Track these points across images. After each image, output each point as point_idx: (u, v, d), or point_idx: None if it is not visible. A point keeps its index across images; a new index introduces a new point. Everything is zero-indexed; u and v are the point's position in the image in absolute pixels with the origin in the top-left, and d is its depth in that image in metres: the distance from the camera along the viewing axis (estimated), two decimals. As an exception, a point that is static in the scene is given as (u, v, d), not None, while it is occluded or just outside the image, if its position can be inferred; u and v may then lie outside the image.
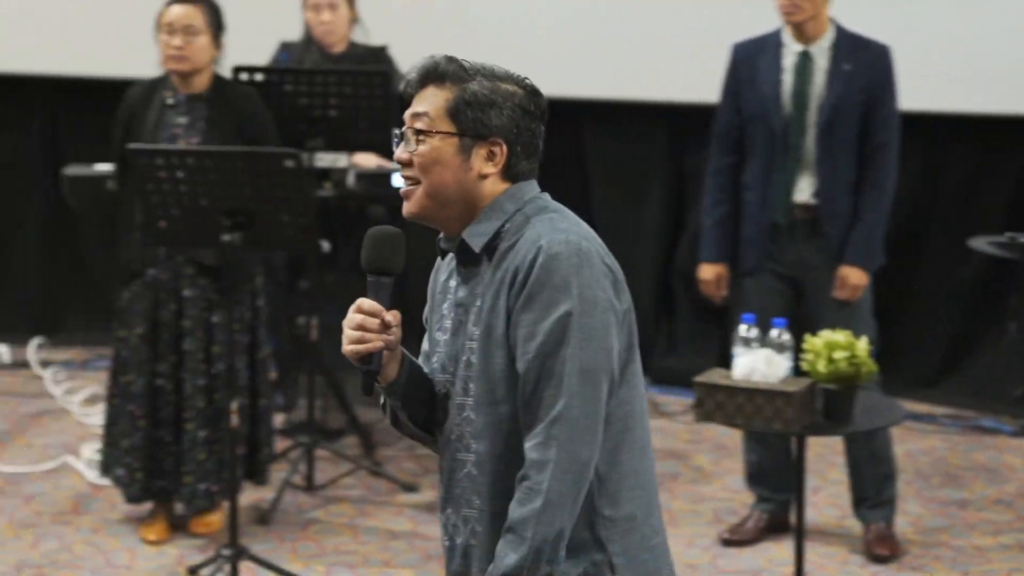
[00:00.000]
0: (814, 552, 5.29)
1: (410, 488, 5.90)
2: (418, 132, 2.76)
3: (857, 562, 5.36)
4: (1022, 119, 6.95)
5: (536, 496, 2.60)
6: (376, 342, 2.71)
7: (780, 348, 4.51)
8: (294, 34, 6.39)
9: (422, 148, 2.75)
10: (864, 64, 5.30)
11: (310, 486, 5.91)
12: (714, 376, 4.48)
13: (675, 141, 7.38)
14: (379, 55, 6.26)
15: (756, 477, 5.55)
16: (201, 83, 5.37)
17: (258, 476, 5.56)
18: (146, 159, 5.02)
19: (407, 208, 2.79)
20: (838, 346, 4.41)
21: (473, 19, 7.28)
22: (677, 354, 7.37)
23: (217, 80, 5.41)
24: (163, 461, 5.41)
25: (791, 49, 5.34)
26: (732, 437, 6.41)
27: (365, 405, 6.56)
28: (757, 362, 4.44)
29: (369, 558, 5.33)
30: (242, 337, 5.39)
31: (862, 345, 4.44)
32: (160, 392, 5.38)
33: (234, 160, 4.96)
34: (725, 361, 4.58)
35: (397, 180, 5.84)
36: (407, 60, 6.32)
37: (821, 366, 4.40)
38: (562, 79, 7.21)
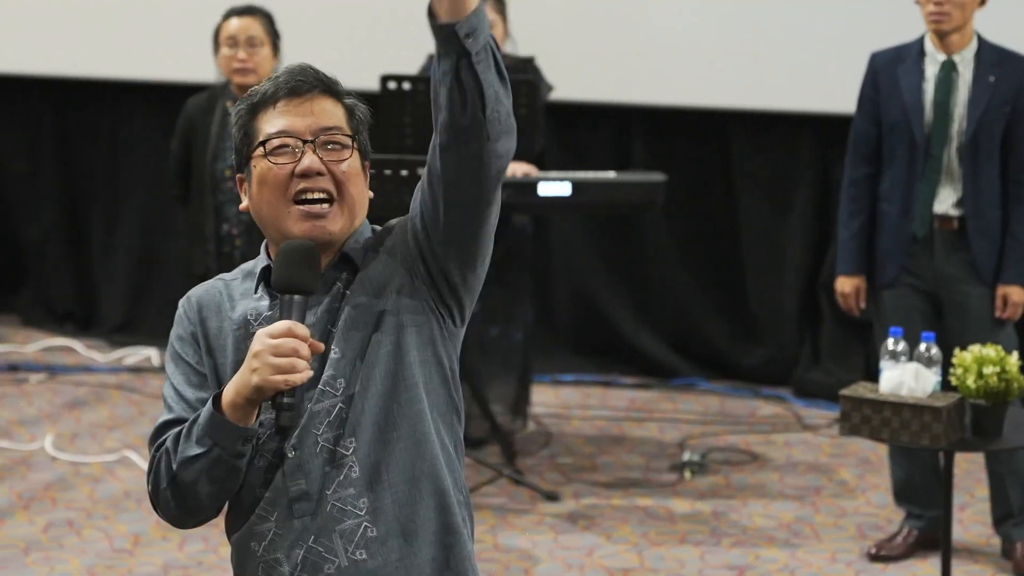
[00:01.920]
0: (960, 570, 5.21)
1: (552, 497, 5.91)
2: (335, 144, 2.65)
3: (1005, 581, 5.28)
4: None
5: None
6: (306, 371, 2.53)
7: (928, 362, 4.46)
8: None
9: (345, 161, 2.64)
10: (1009, 75, 5.23)
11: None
12: (860, 389, 4.43)
13: (822, 152, 7.31)
14: (526, 66, 6.28)
15: (903, 493, 5.48)
16: None
17: None
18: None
19: (328, 227, 2.63)
20: (988, 361, 4.35)
21: (620, 30, 7.27)
22: (821, 367, 7.30)
23: None
24: None
25: (934, 59, 5.28)
26: (877, 451, 6.34)
27: (507, 413, 6.58)
28: (905, 376, 4.39)
29: (509, 567, 5.34)
30: None
31: (1013, 360, 4.37)
32: None
33: (378, 167, 5.01)
34: (870, 374, 4.53)
35: (544, 188, 5.86)
36: (554, 72, 6.37)
37: (970, 381, 4.34)
38: (709, 89, 7.20)
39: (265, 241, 2.73)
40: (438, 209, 2.60)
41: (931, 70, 5.28)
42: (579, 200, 5.99)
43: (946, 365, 4.54)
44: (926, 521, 5.43)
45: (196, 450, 2.55)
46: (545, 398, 7.09)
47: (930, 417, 4.28)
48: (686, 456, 6.25)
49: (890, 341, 4.48)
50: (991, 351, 4.39)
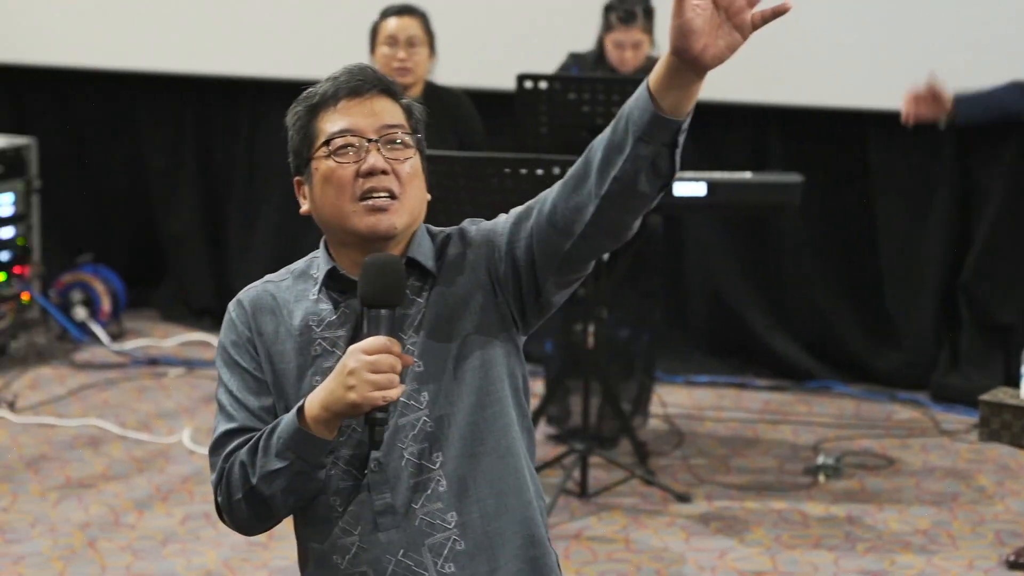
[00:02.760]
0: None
1: (683, 499, 5.88)
2: (399, 143, 2.63)
3: None
4: None
5: None
6: (401, 387, 2.49)
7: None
8: (581, 44, 6.42)
9: (408, 160, 2.62)
10: None
11: (583, 493, 5.93)
12: (1000, 395, 4.36)
13: (962, 154, 7.21)
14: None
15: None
16: (415, 91, 5.47)
17: None
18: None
19: (393, 220, 2.60)
20: None
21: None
22: (960, 372, 7.20)
23: (428, 87, 5.51)
24: None
25: None
26: (1016, 458, 6.24)
27: (640, 414, 6.56)
28: (1047, 382, 4.31)
29: (641, 567, 5.33)
30: None
31: None
32: None
33: (514, 166, 5.01)
34: (1010, 380, 4.45)
35: (680, 189, 5.83)
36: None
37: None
38: (846, 90, 7.12)
39: (324, 239, 2.71)
40: (564, 242, 2.56)
41: None
42: (714, 201, 5.95)
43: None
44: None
45: (277, 464, 2.52)
46: (678, 399, 7.06)
47: (1073, 423, 4.20)
48: (820, 459, 6.18)
49: (1033, 346, 4.41)
50: None
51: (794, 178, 6.02)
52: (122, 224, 8.59)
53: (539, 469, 6.01)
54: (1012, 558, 5.34)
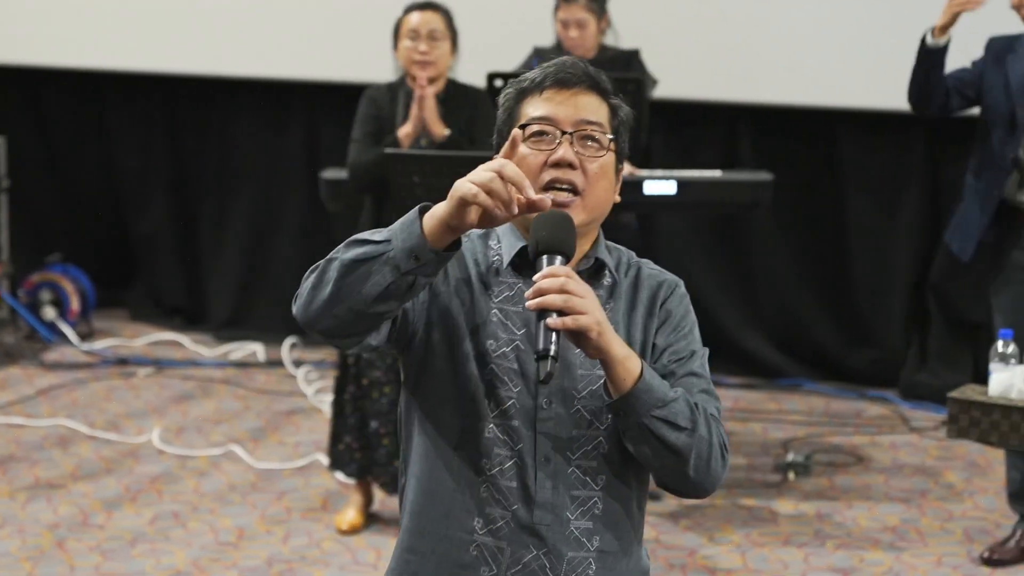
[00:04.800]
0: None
1: (653, 497, 5.88)
2: (593, 140, 2.65)
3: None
4: None
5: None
6: (513, 208, 2.43)
7: (1040, 364, 4.38)
8: (546, 40, 6.42)
9: (599, 159, 2.64)
10: None
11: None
12: (968, 392, 4.37)
13: (932, 152, 7.24)
14: (630, 60, 6.26)
15: (1019, 495, 5.40)
16: (437, 87, 5.47)
17: None
18: (402, 165, 5.11)
19: (572, 216, 2.58)
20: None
21: (728, 28, 7.24)
22: (929, 369, 7.23)
23: (450, 83, 5.51)
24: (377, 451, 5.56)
25: None
26: (984, 455, 6.26)
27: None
28: (1015, 379, 4.32)
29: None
30: None
31: None
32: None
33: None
34: (978, 377, 4.46)
35: (650, 187, 5.83)
36: (661, 69, 6.33)
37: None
38: (816, 88, 7.14)
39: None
40: None
41: None
42: (685, 199, 5.96)
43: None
44: (1035, 528, 5.36)
45: (373, 236, 2.48)
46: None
47: (1040, 420, 4.21)
48: (790, 457, 6.20)
49: (1000, 343, 4.41)
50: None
51: (764, 176, 6.03)
52: (92, 224, 8.57)
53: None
54: (986, 554, 5.36)
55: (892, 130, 7.25)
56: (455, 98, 5.50)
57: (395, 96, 5.51)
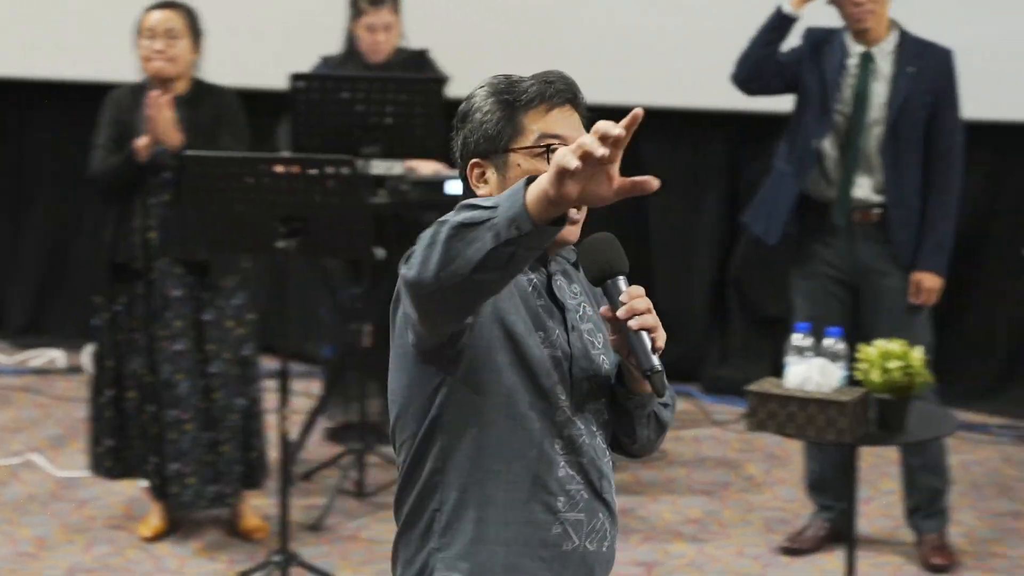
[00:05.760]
0: (866, 562, 5.26)
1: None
2: None
3: (910, 572, 5.33)
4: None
5: None
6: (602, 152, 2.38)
7: (834, 357, 4.48)
8: (331, 48, 6.40)
9: None
10: (928, 67, 5.30)
11: (361, 492, 5.92)
12: (767, 385, 4.46)
13: (732, 150, 7.36)
14: (421, 60, 6.28)
15: (817, 485, 5.53)
16: (181, 87, 5.42)
17: (250, 479, 5.57)
18: (201, 166, 5.06)
19: (576, 235, 2.70)
20: (892, 355, 4.38)
21: (525, 26, 7.28)
22: (729, 363, 7.35)
23: (196, 84, 5.47)
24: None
25: (854, 50, 5.34)
26: (784, 447, 6.40)
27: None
28: (811, 371, 4.42)
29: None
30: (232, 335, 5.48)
31: (917, 355, 4.40)
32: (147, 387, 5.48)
33: (290, 167, 4.99)
34: (778, 371, 4.55)
35: (451, 187, 5.85)
36: (457, 72, 6.35)
37: (875, 376, 4.37)
38: (617, 86, 7.21)
39: None
40: None
41: (851, 61, 5.34)
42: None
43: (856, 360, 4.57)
44: (836, 514, 5.47)
45: (484, 202, 2.45)
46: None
47: (835, 412, 4.31)
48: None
49: (796, 336, 4.51)
50: (895, 345, 4.42)
51: (566, 175, 6.08)
52: None
53: (315, 470, 6.03)
54: (787, 543, 5.47)
55: (692, 129, 7.36)
56: (200, 98, 5.45)
57: (139, 99, 5.43)
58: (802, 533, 5.52)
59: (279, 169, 5.02)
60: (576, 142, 2.35)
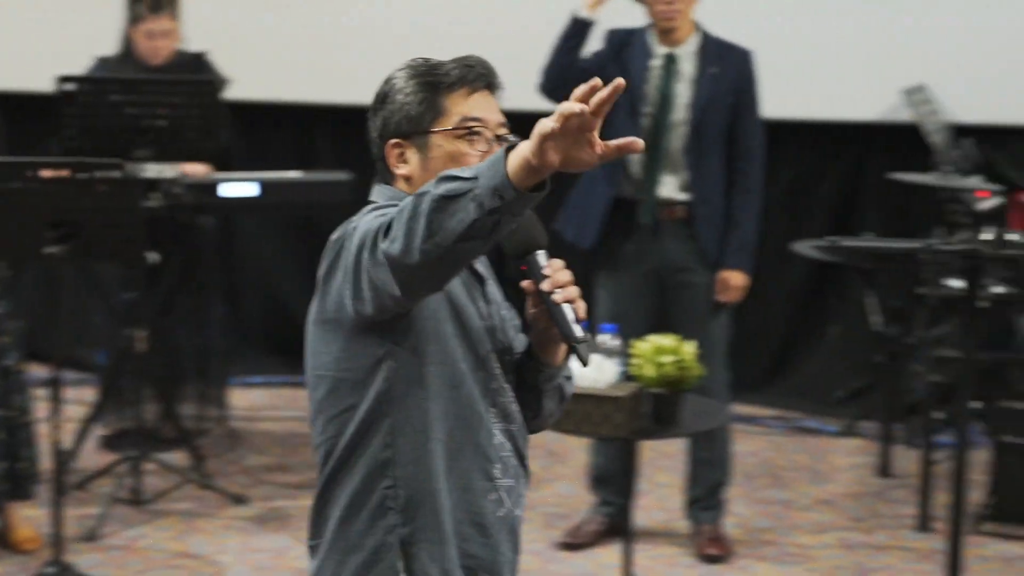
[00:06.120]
0: (644, 555, 5.35)
1: (240, 500, 5.85)
2: (507, 140, 2.72)
3: (686, 563, 5.43)
4: (843, 125, 7.10)
5: None
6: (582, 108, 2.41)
7: (609, 353, 4.54)
8: (102, 50, 6.31)
9: None
10: (730, 68, 5.40)
11: (137, 500, 5.83)
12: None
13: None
14: (199, 62, 6.22)
15: (599, 480, 5.60)
16: None
17: (17, 490, 5.45)
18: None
19: None
20: (665, 350, 4.45)
21: (303, 28, 7.25)
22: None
23: None
24: None
25: (658, 52, 5.42)
26: (563, 443, 6.46)
27: (199, 416, 6.49)
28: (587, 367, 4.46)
29: (197, 572, 5.27)
30: None
31: (689, 349, 4.48)
32: None
33: (59, 171, 4.89)
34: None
35: (225, 189, 5.80)
36: (236, 71, 6.30)
37: (648, 371, 4.43)
38: (296, 83, 7.24)
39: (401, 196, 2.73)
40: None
41: (655, 62, 5.42)
42: (268, 200, 5.96)
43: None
44: (616, 508, 5.55)
45: (462, 173, 2.43)
46: (234, 400, 7.02)
47: (611, 407, 4.36)
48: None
49: (605, 336, 4.55)
50: (668, 340, 4.49)
51: (342, 176, 6.08)
52: None
53: (90, 479, 5.92)
54: (567, 539, 5.53)
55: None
56: None
57: None
58: (580, 528, 5.59)
59: (47, 174, 4.92)
60: (563, 106, 2.37)
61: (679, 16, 5.35)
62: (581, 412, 4.40)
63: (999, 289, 5.84)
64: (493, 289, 2.81)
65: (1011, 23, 6.85)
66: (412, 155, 2.74)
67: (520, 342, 2.80)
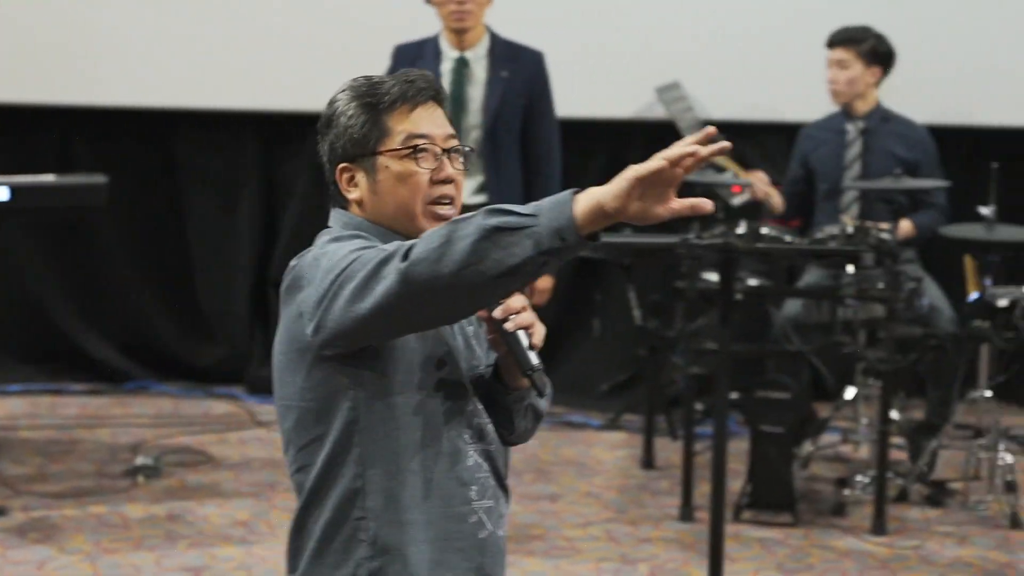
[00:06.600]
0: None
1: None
2: (459, 154, 2.77)
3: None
4: (599, 123, 7.20)
5: None
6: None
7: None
8: None
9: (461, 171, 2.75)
10: (522, 69, 5.45)
11: None
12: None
13: (266, 150, 7.37)
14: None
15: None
16: None
17: None
18: None
19: None
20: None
21: (64, 28, 7.11)
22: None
23: None
24: None
25: (448, 55, 5.43)
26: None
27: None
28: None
29: (-44, 586, 5.14)
30: None
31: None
32: None
33: None
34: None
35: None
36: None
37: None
38: (150, 88, 7.12)
39: (356, 221, 2.70)
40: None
41: (446, 66, 5.43)
42: (19, 205, 5.83)
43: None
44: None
45: (517, 208, 2.40)
46: (-9, 410, 6.87)
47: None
48: (139, 460, 6.17)
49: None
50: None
51: (99, 179, 5.98)
52: None
53: None
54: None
55: (226, 129, 7.34)
56: None
57: None
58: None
59: None
60: (657, 155, 2.36)
61: (470, 17, 5.38)
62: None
63: (754, 282, 6.00)
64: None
65: (762, 19, 7.04)
66: (361, 178, 2.71)
67: (490, 356, 2.76)
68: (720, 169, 6.35)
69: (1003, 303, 5.73)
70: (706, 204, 2.40)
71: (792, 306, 6.19)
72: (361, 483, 2.62)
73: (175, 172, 7.38)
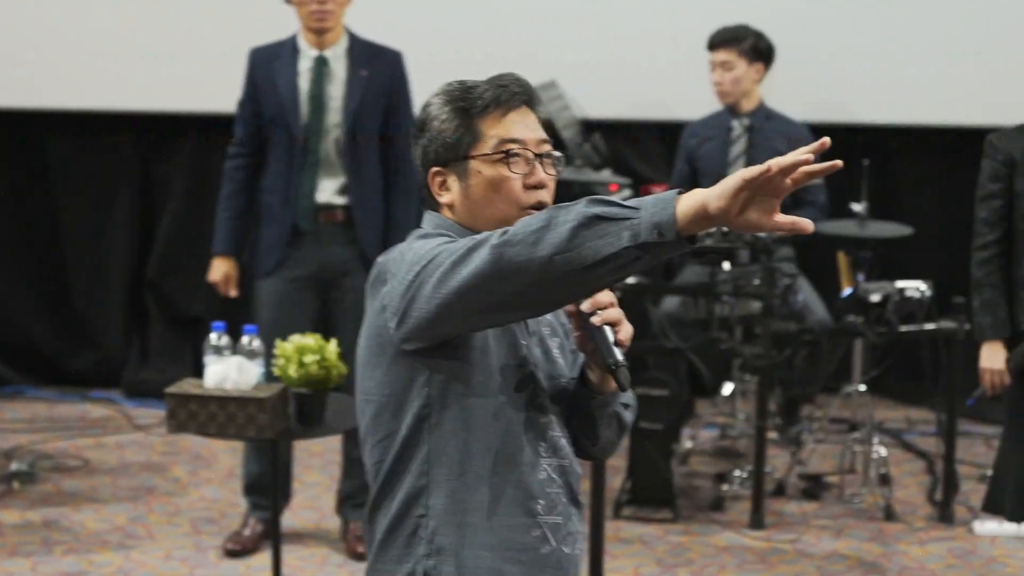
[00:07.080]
0: (293, 555, 5.35)
1: None
2: (552, 159, 2.73)
3: (336, 561, 5.44)
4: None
5: None
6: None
7: (251, 355, 4.52)
8: None
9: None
10: (380, 69, 5.43)
11: None
12: (186, 386, 4.45)
13: (142, 151, 7.30)
14: None
15: (252, 485, 5.54)
16: None
17: None
18: None
19: None
20: (308, 350, 4.45)
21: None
22: (151, 365, 7.30)
23: None
24: None
25: (307, 55, 5.40)
26: (209, 447, 6.42)
27: None
28: (229, 370, 4.44)
29: None
30: None
31: (332, 348, 4.50)
32: None
33: None
34: (200, 371, 4.55)
35: None
36: None
37: (292, 370, 4.43)
38: (22, 89, 7.04)
39: (446, 223, 2.71)
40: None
41: (304, 65, 5.40)
42: None
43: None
44: (270, 511, 5.51)
45: (618, 200, 2.38)
46: None
47: (255, 408, 4.35)
48: (14, 466, 6.09)
49: (213, 336, 4.52)
50: (311, 340, 4.49)
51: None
52: None
53: None
54: (229, 545, 5.46)
55: (101, 131, 7.26)
56: None
57: None
58: (241, 533, 5.53)
59: None
60: (769, 161, 2.33)
61: (331, 17, 5.36)
62: (224, 415, 4.37)
63: (632, 280, 6.04)
64: (534, 322, 2.73)
65: (639, 19, 7.09)
66: (453, 182, 2.71)
67: (573, 369, 2.76)
68: (599, 166, 6.39)
69: (875, 298, 5.81)
70: (808, 226, 2.39)
71: (670, 303, 6.24)
72: (426, 481, 2.64)
73: (48, 174, 7.29)
